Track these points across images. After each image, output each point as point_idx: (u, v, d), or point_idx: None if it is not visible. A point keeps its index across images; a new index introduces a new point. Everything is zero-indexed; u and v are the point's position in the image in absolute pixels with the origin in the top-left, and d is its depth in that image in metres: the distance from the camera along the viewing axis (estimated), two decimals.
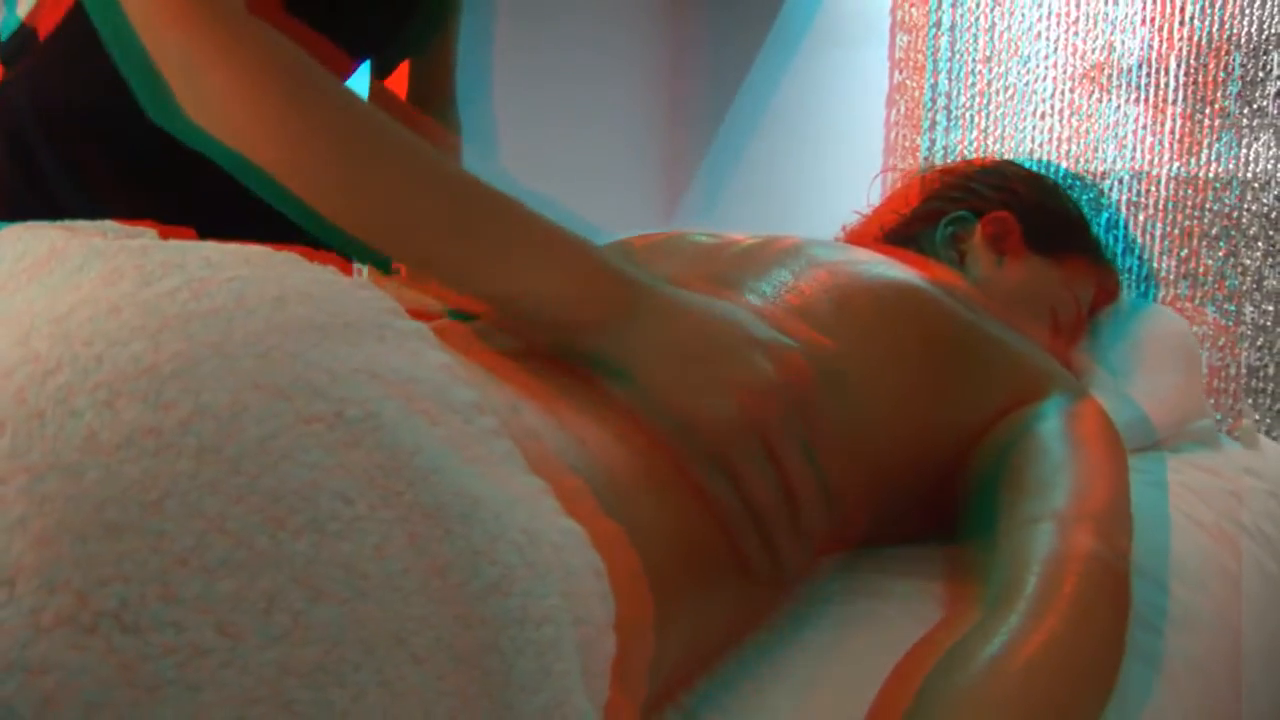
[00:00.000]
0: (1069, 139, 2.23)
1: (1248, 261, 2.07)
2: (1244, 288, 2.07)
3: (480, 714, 0.39)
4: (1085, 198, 1.25)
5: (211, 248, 0.48)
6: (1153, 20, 2.12)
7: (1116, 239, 2.02)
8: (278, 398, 0.40)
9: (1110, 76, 2.18)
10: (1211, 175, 2.09)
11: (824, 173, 2.53)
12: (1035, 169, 1.20)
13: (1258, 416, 1.99)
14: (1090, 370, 1.10)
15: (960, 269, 1.08)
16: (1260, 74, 2.04)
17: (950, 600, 0.73)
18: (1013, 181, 1.14)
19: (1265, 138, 2.06)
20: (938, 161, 2.34)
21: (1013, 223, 1.08)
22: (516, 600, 0.42)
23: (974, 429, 0.81)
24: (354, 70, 1.00)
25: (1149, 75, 2.13)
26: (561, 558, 0.45)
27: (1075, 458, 0.75)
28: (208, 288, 0.44)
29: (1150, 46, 2.12)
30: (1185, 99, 2.10)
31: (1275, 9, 2.03)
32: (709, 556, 0.62)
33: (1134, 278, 2.05)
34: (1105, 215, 1.72)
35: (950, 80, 2.37)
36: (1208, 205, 2.10)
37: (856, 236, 1.16)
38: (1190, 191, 2.11)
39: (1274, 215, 2.03)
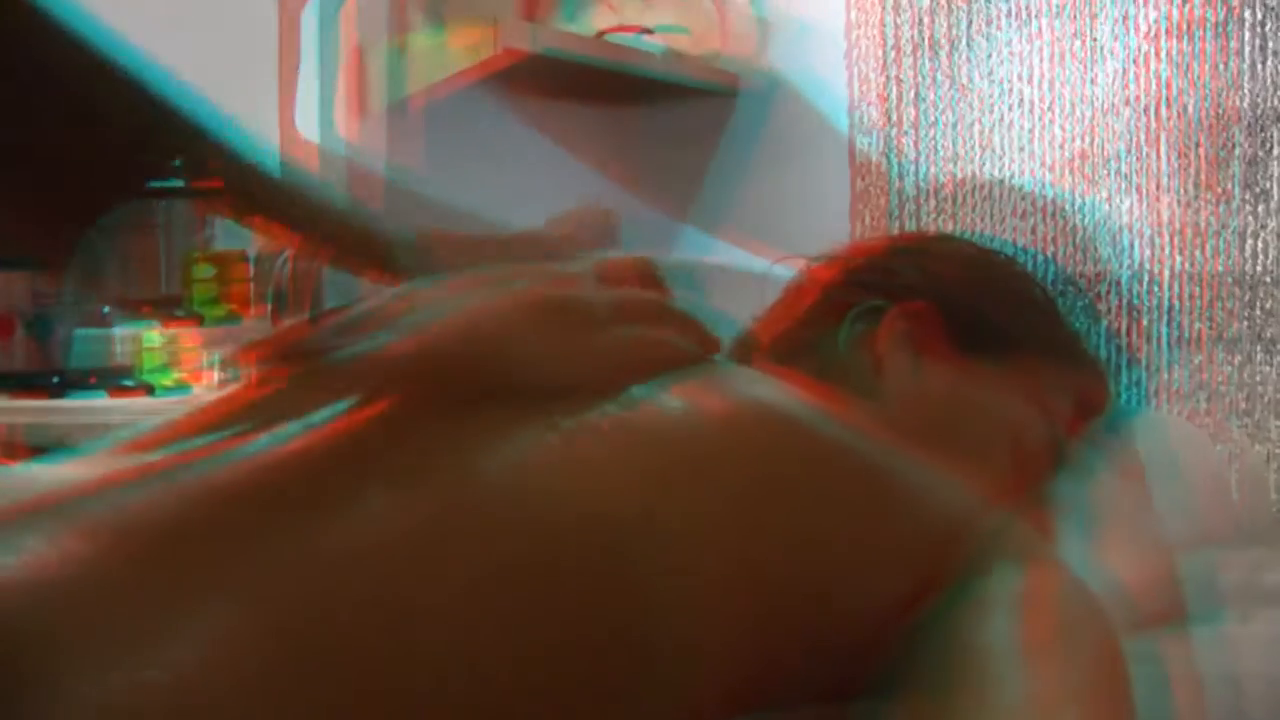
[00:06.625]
0: (1054, 238, 1.98)
1: (1266, 368, 1.80)
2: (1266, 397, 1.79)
3: None
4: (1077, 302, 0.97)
5: None
6: (1137, 99, 1.88)
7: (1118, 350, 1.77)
8: None
9: (1094, 165, 1.94)
10: (1222, 270, 1.83)
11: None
12: (981, 246, 0.91)
13: None
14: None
15: (877, 380, 0.79)
16: (1261, 152, 1.80)
17: None
18: (935, 261, 0.85)
19: (1273, 224, 1.81)
20: None
21: (930, 314, 0.80)
22: None
23: (868, 620, 0.52)
24: None
25: (1139, 161, 1.90)
26: None
27: (1031, 683, 0.46)
28: None
29: (1136, 130, 1.89)
30: (1180, 186, 1.86)
31: (1271, 81, 1.79)
32: None
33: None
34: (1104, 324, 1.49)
35: (917, 184, 2.11)
36: (1220, 305, 1.84)
37: (737, 353, 0.86)
38: (1197, 289, 1.85)
39: None
